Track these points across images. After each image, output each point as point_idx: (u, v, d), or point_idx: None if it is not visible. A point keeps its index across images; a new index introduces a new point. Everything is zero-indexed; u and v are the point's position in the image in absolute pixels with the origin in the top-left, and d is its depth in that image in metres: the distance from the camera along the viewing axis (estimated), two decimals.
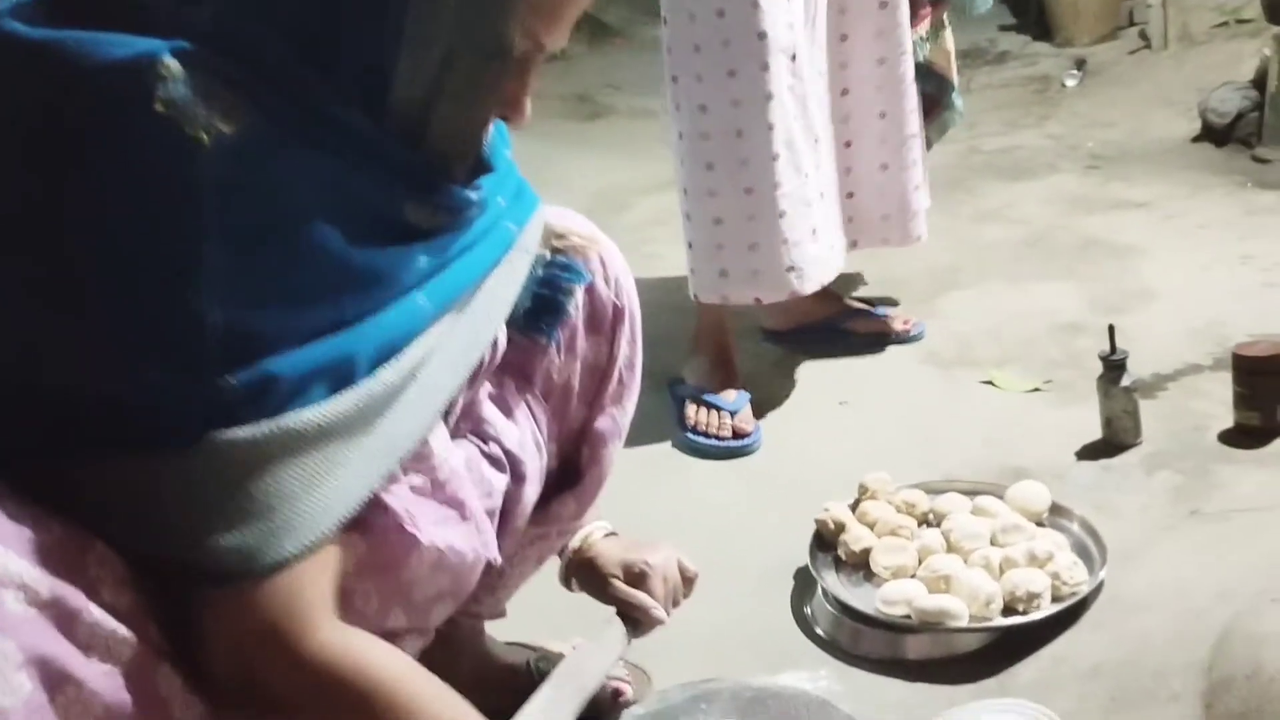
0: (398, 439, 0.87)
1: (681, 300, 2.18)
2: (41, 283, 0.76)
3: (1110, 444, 1.82)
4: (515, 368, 1.10)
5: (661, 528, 1.61)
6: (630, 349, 1.21)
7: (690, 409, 2.02)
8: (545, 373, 1.14)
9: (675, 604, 1.29)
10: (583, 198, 3.00)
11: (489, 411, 1.08)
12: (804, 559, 1.57)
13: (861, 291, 2.53)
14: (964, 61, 2.51)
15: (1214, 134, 3.25)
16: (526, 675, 1.34)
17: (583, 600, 1.29)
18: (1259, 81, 3.21)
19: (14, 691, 0.66)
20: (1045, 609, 1.41)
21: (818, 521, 1.61)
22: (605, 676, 1.22)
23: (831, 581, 1.53)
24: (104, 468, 0.76)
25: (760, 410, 2.06)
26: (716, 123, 1.94)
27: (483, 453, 1.06)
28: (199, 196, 0.75)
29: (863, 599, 1.48)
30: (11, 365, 0.77)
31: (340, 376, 0.81)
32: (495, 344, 1.03)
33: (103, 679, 0.72)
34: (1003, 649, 1.39)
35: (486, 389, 1.08)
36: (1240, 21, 3.90)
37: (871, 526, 1.59)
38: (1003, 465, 1.79)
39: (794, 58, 1.95)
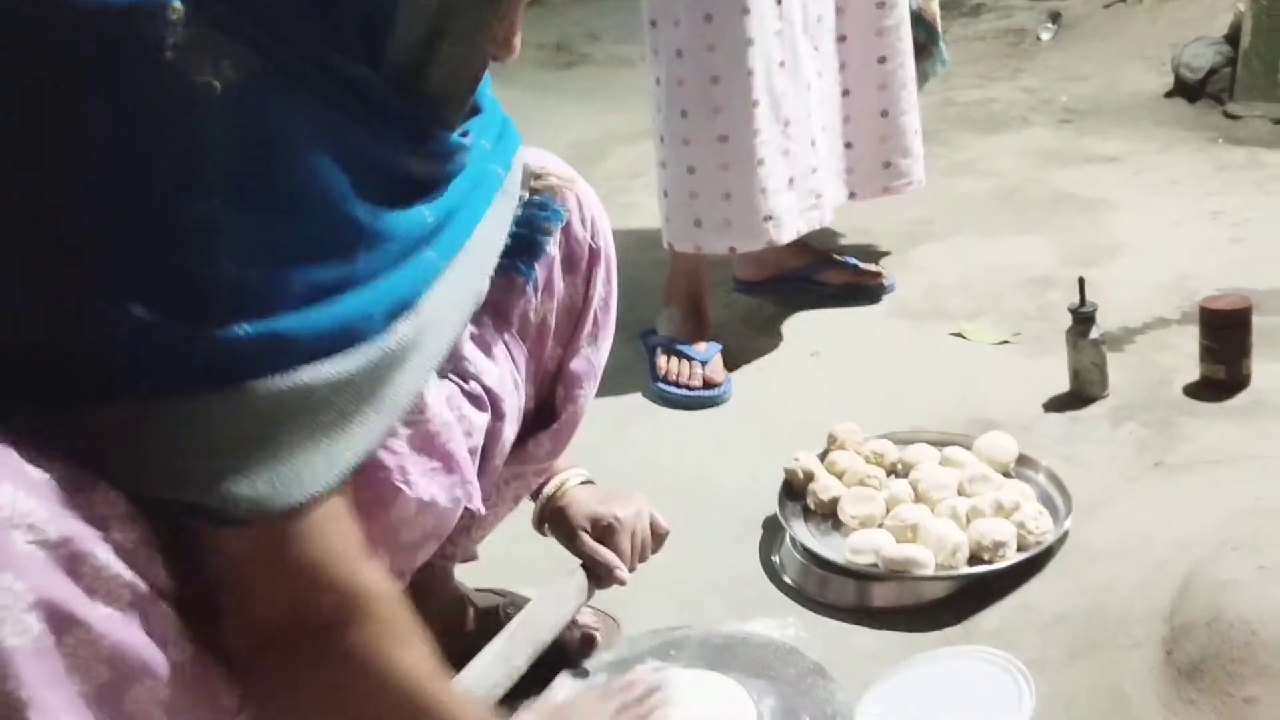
0: (403, 393, 0.86)
1: (656, 251, 2.18)
2: (42, 231, 0.74)
3: (1077, 396, 1.84)
4: (493, 306, 1.10)
5: (632, 476, 1.62)
6: (605, 289, 1.21)
7: (662, 359, 2.02)
8: (522, 312, 1.14)
9: (642, 559, 1.31)
10: (558, 147, 2.90)
11: (469, 350, 1.07)
12: (773, 508, 1.58)
13: (834, 243, 2.53)
14: (940, 13, 2.49)
15: (1186, 89, 3.25)
16: (496, 621, 1.34)
17: (554, 546, 1.30)
18: (1232, 37, 3.21)
19: (24, 632, 0.66)
20: (1011, 558, 1.42)
21: (787, 471, 1.62)
22: (561, 628, 1.23)
23: (800, 530, 1.54)
24: (114, 415, 0.74)
25: (731, 361, 2.06)
26: (692, 68, 1.92)
27: (463, 391, 1.06)
28: (206, 145, 0.73)
29: (831, 548, 1.49)
30: (8, 315, 0.75)
31: (354, 334, 0.80)
32: None
33: (106, 621, 0.71)
34: (968, 597, 1.40)
35: (468, 329, 1.07)
36: None
37: (840, 476, 1.60)
38: (971, 416, 1.80)
39: (780, 1, 1.92)
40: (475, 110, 0.94)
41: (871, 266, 2.34)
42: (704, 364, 2.00)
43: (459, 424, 1.04)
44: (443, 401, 1.02)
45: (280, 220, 0.76)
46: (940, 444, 1.66)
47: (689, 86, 1.93)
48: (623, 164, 3.12)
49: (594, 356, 1.23)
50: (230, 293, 0.74)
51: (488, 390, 1.09)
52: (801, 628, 1.39)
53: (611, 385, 1.48)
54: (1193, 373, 1.84)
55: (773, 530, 1.58)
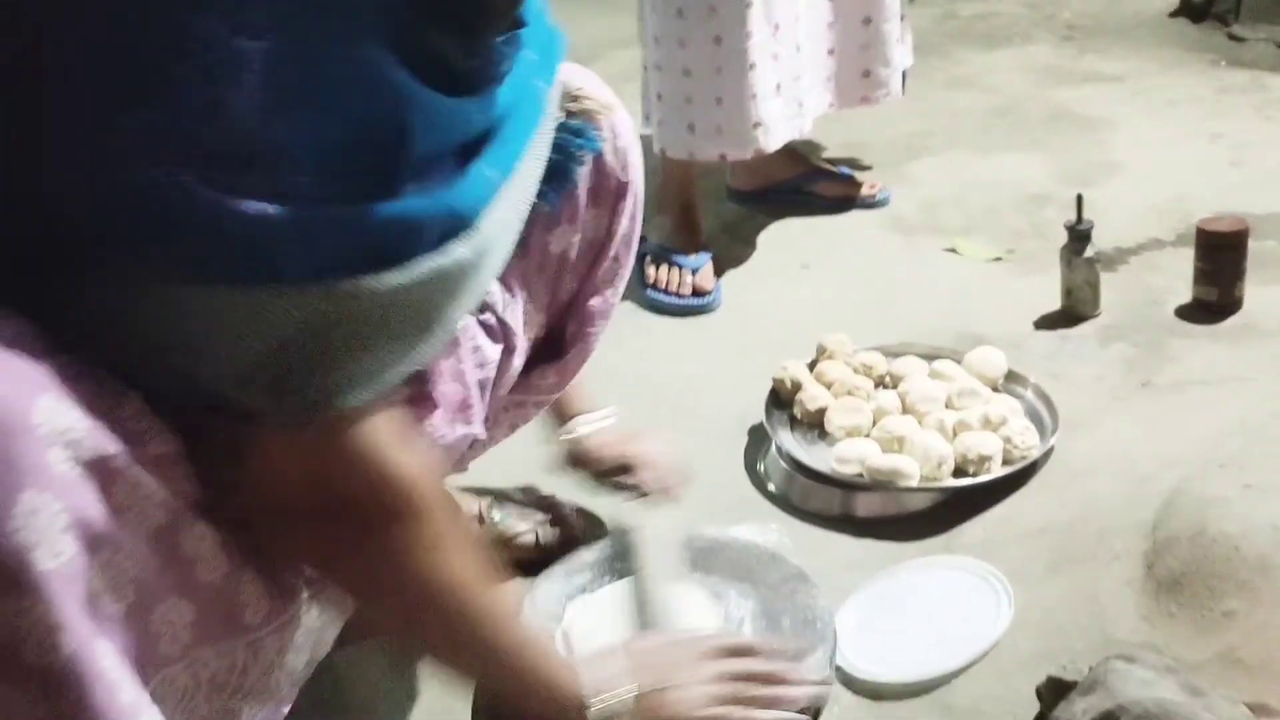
0: (457, 313, 0.82)
1: (646, 159, 2.13)
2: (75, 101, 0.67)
3: (1069, 314, 1.83)
4: None
5: (620, 382, 1.60)
6: (630, 226, 1.17)
7: (651, 266, 2.00)
8: (543, 242, 1.10)
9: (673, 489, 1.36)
10: None
11: None
12: (759, 417, 1.57)
13: (829, 155, 2.50)
14: None
15: (1191, 9, 3.19)
16: (479, 522, 1.34)
17: (528, 441, 1.30)
18: None
19: (59, 554, 0.64)
20: (995, 472, 1.43)
21: (775, 380, 1.61)
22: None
23: (786, 439, 1.54)
24: (167, 306, 0.69)
25: (722, 269, 2.04)
26: None
27: (479, 322, 1.04)
28: None
29: (816, 457, 1.49)
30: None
31: (407, 245, 0.74)
32: None
33: (137, 541, 0.69)
34: (951, 509, 1.41)
35: None
36: None
37: (829, 387, 1.60)
38: (961, 331, 1.79)
39: None
40: (520, 22, 0.85)
41: (865, 179, 2.32)
42: (694, 272, 1.98)
43: (473, 356, 1.02)
44: (460, 332, 1.00)
45: (333, 80, 0.69)
46: (930, 357, 1.65)
47: None
48: (615, 68, 3.05)
49: (612, 296, 1.19)
50: (319, 183, 0.69)
51: (502, 322, 1.06)
52: (784, 535, 1.39)
53: None
54: (1185, 295, 1.83)
55: (758, 439, 1.58)
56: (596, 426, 1.33)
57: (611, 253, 1.16)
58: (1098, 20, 3.33)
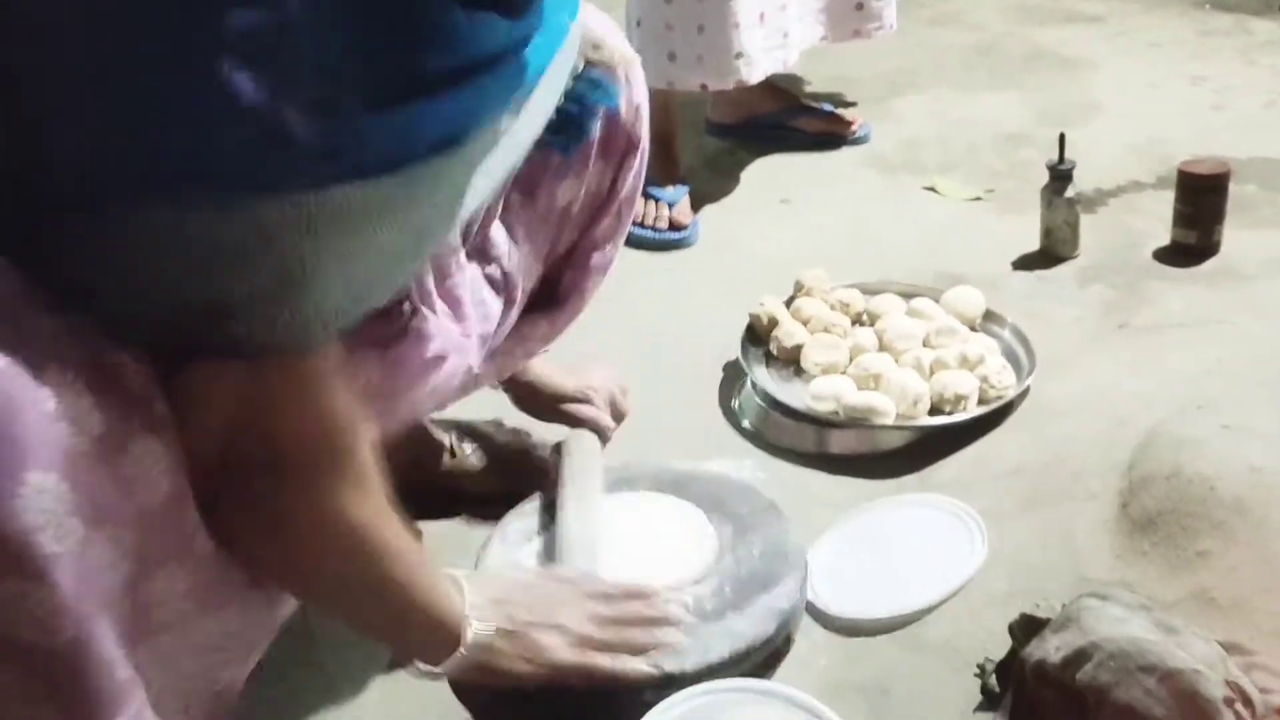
0: (434, 239, 0.79)
1: None
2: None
3: (1047, 255, 1.82)
4: (522, 184, 1.03)
5: (593, 316, 1.57)
6: (635, 184, 1.15)
7: None
8: (550, 193, 1.07)
9: (618, 420, 1.36)
10: None
11: (495, 231, 1.02)
12: (735, 353, 1.55)
13: (811, 90, 2.46)
14: None
15: None
16: (450, 455, 1.33)
17: None
18: None
19: (65, 537, 0.61)
20: (971, 411, 1.42)
21: (751, 316, 1.59)
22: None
23: (761, 375, 1.52)
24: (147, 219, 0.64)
25: (700, 203, 2.02)
26: None
27: (485, 275, 1.02)
28: None
29: (791, 394, 1.48)
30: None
31: (406, 154, 0.69)
32: None
33: (138, 517, 0.66)
34: (926, 448, 1.40)
35: (498, 206, 1.02)
36: None
37: (805, 323, 1.58)
38: (939, 270, 1.78)
39: None
40: None
41: (846, 115, 2.29)
42: (671, 205, 1.95)
43: (477, 309, 1.00)
44: (467, 285, 0.97)
45: None
46: (908, 295, 1.63)
47: None
48: None
49: (612, 251, 1.18)
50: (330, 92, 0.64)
51: (506, 275, 1.04)
52: (758, 470, 1.38)
53: None
54: (1163, 237, 1.82)
55: (733, 375, 1.56)
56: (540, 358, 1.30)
57: (614, 208, 1.15)
58: None
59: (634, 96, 1.09)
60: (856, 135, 2.25)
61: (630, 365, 1.49)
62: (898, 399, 1.42)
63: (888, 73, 2.54)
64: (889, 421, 1.41)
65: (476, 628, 0.92)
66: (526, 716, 1.03)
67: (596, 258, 1.16)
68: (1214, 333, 1.56)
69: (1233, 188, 1.79)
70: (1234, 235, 1.79)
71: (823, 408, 1.44)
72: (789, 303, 1.63)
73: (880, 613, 1.15)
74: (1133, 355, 1.53)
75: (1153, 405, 1.34)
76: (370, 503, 0.81)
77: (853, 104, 2.42)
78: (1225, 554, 1.04)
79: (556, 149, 1.01)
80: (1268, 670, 0.92)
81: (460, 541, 1.25)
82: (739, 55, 1.90)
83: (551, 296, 1.17)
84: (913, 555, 1.22)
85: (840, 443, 1.43)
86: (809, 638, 1.14)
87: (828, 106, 2.29)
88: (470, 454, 1.33)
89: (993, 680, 1.04)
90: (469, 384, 1.09)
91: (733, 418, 1.50)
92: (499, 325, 1.08)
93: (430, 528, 1.26)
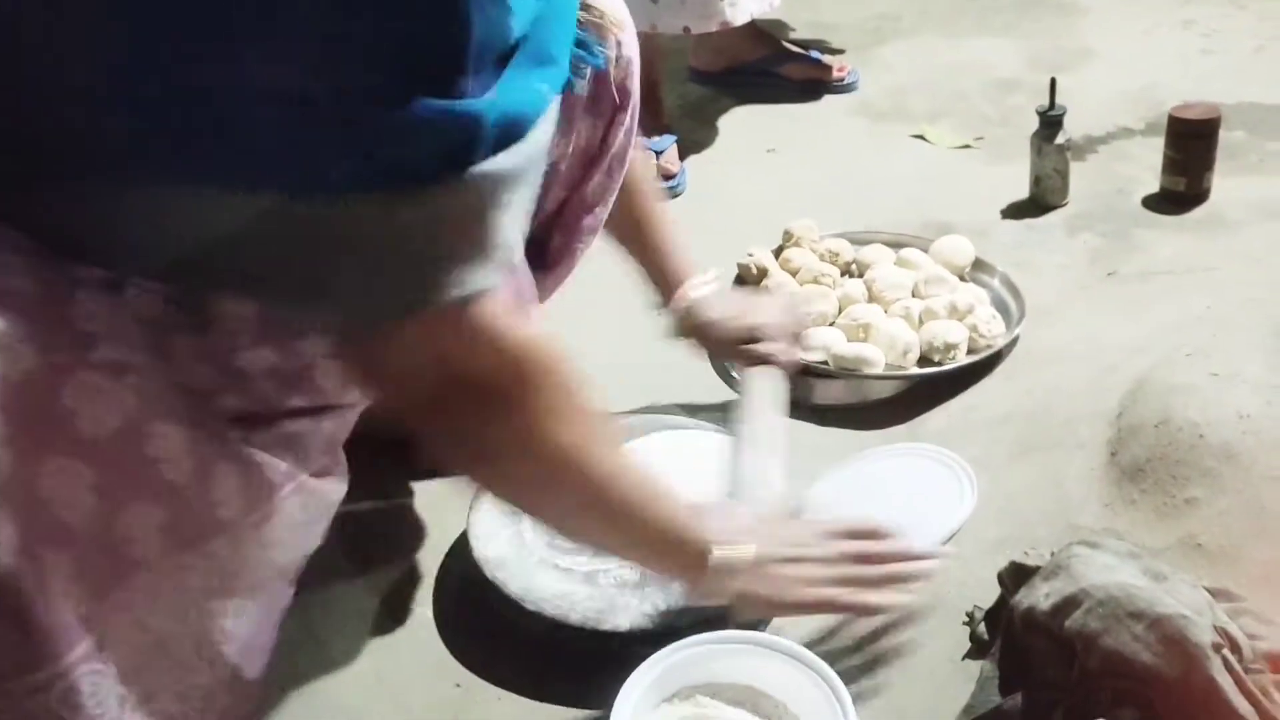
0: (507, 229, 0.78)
1: None
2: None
3: (1036, 203, 1.81)
4: None
5: (579, 268, 1.56)
6: (625, 141, 1.15)
7: None
8: None
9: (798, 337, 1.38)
10: None
11: None
12: None
13: (796, 36, 2.43)
14: None
15: None
16: None
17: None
18: None
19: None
20: (961, 360, 1.41)
21: (740, 266, 1.59)
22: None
23: None
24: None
25: (686, 152, 2.00)
26: None
27: None
28: None
29: None
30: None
31: (526, 123, 0.71)
32: None
33: (87, 448, 0.66)
34: (916, 397, 1.40)
35: None
36: None
37: (794, 274, 1.57)
38: (928, 219, 1.77)
39: None
40: None
41: (833, 61, 2.26)
42: (658, 154, 1.93)
43: None
44: None
45: None
46: (897, 245, 1.63)
47: None
48: None
49: (601, 212, 1.17)
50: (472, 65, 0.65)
51: None
52: None
53: None
54: (1152, 185, 1.81)
55: None
56: (708, 289, 1.30)
57: (604, 165, 1.14)
58: None
59: (623, 54, 1.09)
60: (843, 83, 2.23)
61: (618, 315, 1.48)
62: (887, 349, 1.41)
63: (874, 18, 2.52)
64: (879, 371, 1.40)
65: (724, 551, 0.94)
66: (522, 671, 1.03)
67: (588, 220, 1.17)
68: (1202, 280, 1.56)
69: (1221, 134, 1.78)
70: (1222, 182, 1.79)
71: (813, 358, 1.43)
72: (778, 253, 1.62)
73: None
74: (1121, 303, 1.53)
75: (1141, 353, 1.34)
76: (576, 427, 0.84)
77: (839, 51, 2.39)
78: (1213, 501, 1.04)
79: None
80: (1255, 616, 0.92)
81: None
82: None
83: (541, 258, 1.17)
84: (903, 504, 1.22)
85: (830, 393, 1.43)
86: None
87: (814, 53, 2.27)
88: None
89: (982, 628, 1.04)
90: None
91: (721, 368, 1.50)
92: None
93: None
